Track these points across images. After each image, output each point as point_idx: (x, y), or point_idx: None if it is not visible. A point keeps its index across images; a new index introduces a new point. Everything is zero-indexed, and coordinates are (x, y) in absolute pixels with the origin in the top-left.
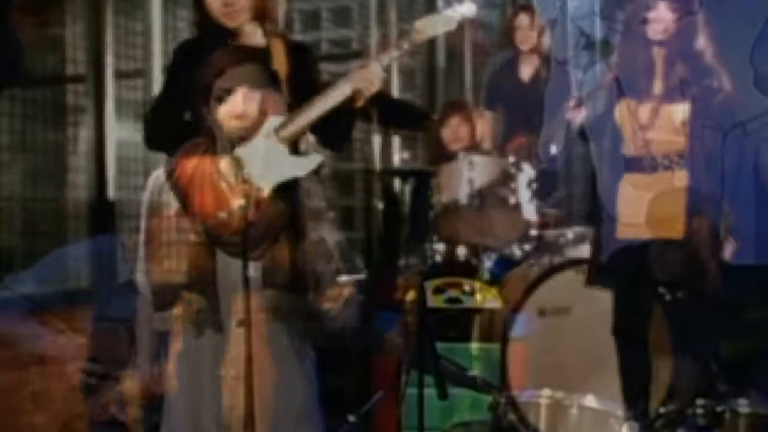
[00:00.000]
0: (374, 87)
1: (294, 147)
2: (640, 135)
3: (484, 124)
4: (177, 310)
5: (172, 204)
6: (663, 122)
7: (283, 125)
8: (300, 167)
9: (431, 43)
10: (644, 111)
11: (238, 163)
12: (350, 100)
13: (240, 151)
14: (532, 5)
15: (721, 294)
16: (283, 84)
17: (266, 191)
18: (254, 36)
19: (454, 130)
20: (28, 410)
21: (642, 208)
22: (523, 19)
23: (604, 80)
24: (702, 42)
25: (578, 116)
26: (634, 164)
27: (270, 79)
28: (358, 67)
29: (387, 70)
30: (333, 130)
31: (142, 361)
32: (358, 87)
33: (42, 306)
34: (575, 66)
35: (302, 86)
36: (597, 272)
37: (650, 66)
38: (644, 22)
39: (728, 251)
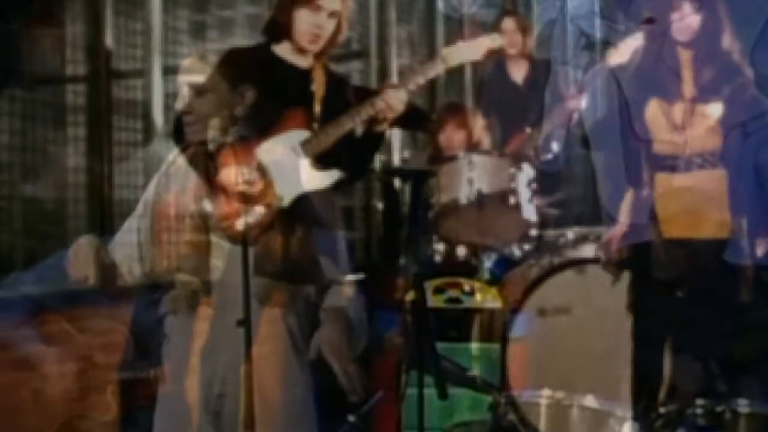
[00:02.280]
0: (397, 110)
1: (315, 161)
2: (676, 135)
3: (482, 127)
4: (173, 292)
5: (172, 189)
6: (698, 122)
7: (309, 140)
8: (320, 180)
9: (431, 43)
10: (678, 111)
11: (262, 171)
12: (372, 123)
13: (265, 159)
14: (517, 9)
15: (724, 293)
16: (317, 103)
17: (286, 201)
18: (303, 60)
19: (448, 137)
20: (28, 410)
21: (680, 207)
22: (508, 23)
23: (600, 68)
24: (728, 40)
25: (578, 104)
26: (667, 164)
27: (292, 96)
28: (385, 88)
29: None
30: (354, 156)
31: None
32: (381, 108)
33: (44, 306)
34: (575, 66)
35: (335, 108)
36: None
37: (677, 67)
38: (652, 21)
39: (761, 249)
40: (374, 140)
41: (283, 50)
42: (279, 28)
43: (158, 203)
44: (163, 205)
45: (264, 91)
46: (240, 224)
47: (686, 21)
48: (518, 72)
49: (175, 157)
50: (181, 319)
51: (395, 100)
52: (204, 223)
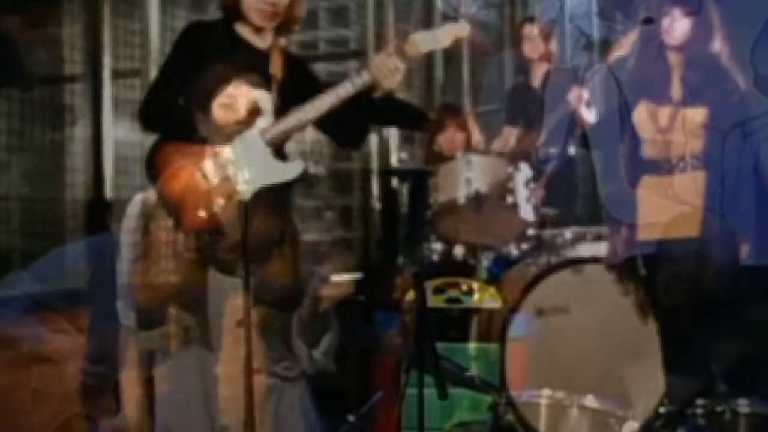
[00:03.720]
0: (391, 79)
1: (280, 153)
2: (660, 138)
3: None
4: (168, 329)
5: (162, 222)
6: (682, 125)
7: (269, 129)
8: (281, 174)
9: None
10: (663, 114)
11: (220, 163)
12: (366, 92)
13: (226, 151)
14: (530, 13)
15: (726, 300)
16: (275, 89)
17: (247, 194)
18: (262, 40)
19: (449, 138)
20: (28, 410)
21: (661, 209)
22: (530, 29)
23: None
24: (718, 44)
25: (580, 102)
26: (652, 166)
27: (266, 83)
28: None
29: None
30: (346, 126)
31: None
32: (361, 85)
33: (43, 305)
34: (575, 65)
35: (294, 95)
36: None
37: (667, 71)
38: (651, 20)
39: (744, 251)
40: (369, 108)
41: (243, 29)
42: (231, 7)
43: (145, 235)
44: (152, 236)
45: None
46: (202, 214)
47: (676, 25)
48: (537, 75)
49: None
50: (176, 358)
51: (386, 69)
52: (200, 255)
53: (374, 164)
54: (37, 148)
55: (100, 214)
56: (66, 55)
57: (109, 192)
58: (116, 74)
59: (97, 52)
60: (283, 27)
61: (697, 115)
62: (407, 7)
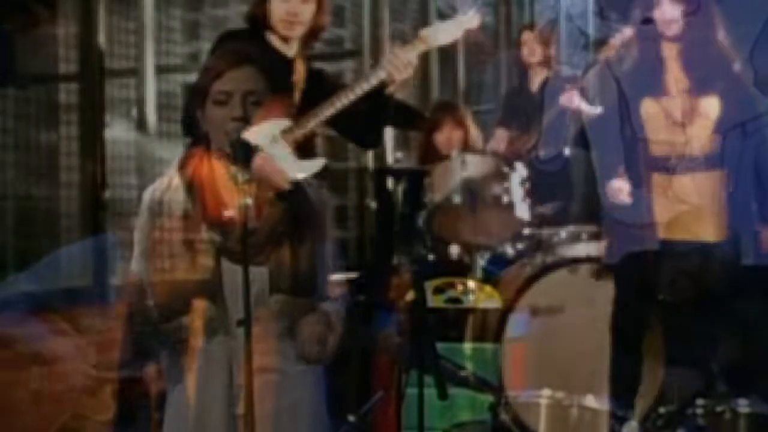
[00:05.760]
0: (404, 73)
1: (299, 150)
2: (677, 133)
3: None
4: (190, 320)
5: (174, 214)
6: (697, 119)
7: (290, 129)
8: (303, 170)
9: None
10: (677, 108)
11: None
12: (378, 92)
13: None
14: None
15: (728, 300)
16: (297, 93)
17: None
18: (289, 48)
19: (447, 137)
20: (28, 409)
21: (672, 208)
22: (526, 35)
23: (597, 62)
24: (721, 35)
25: (573, 100)
26: (664, 164)
27: (275, 84)
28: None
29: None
30: (362, 125)
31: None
32: (375, 82)
33: (43, 305)
34: (574, 66)
35: (313, 100)
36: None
37: (665, 63)
38: (650, 20)
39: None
40: (383, 107)
41: (272, 37)
42: (258, 20)
43: (158, 228)
44: (166, 230)
45: (227, 80)
46: (228, 214)
47: (667, 15)
48: (536, 80)
49: (170, 180)
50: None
51: (399, 63)
52: (212, 245)
53: (369, 163)
54: (33, 146)
55: (95, 212)
56: (61, 54)
57: (103, 190)
58: (111, 73)
59: (92, 51)
60: (309, 36)
61: (710, 106)
62: (403, 7)
